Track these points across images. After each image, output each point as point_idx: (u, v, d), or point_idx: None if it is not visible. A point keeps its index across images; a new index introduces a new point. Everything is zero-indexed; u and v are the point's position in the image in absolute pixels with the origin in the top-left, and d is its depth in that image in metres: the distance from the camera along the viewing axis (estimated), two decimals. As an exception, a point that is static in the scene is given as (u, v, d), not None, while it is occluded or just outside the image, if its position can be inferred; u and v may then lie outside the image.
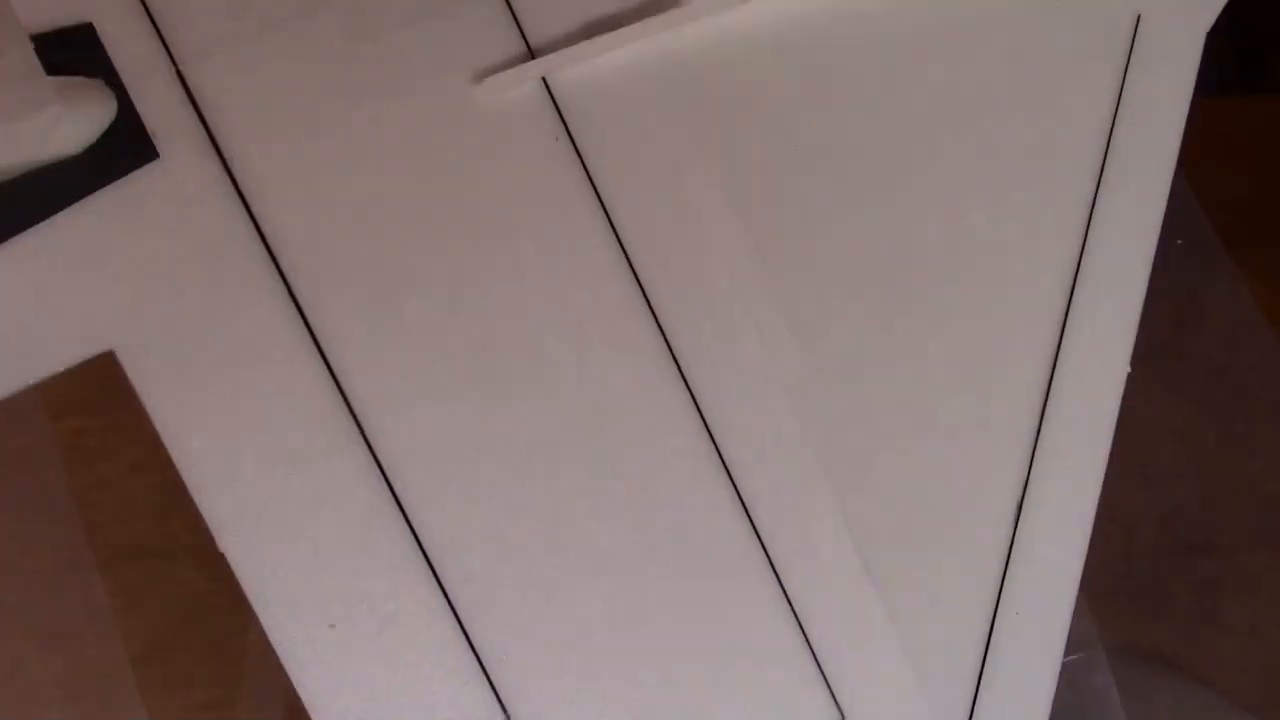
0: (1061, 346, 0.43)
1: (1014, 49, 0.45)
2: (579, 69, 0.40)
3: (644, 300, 0.39)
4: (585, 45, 0.39)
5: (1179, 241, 0.63)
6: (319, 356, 0.37)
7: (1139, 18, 0.48)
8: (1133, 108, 0.47)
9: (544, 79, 0.39)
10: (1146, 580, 0.53)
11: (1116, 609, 0.52)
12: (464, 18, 0.39)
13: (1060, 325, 0.43)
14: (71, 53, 0.34)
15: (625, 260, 0.39)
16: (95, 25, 0.34)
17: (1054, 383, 0.43)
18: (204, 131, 0.35)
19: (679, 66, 0.41)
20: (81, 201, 0.34)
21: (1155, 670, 0.50)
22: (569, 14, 0.40)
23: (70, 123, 0.33)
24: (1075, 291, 0.44)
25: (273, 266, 0.36)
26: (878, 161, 0.43)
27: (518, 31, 0.39)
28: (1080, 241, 0.44)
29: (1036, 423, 0.42)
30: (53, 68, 0.32)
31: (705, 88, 0.41)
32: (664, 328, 0.39)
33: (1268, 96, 0.80)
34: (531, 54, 0.39)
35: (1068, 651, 0.50)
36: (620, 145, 0.40)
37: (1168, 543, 0.54)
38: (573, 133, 0.39)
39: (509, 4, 0.39)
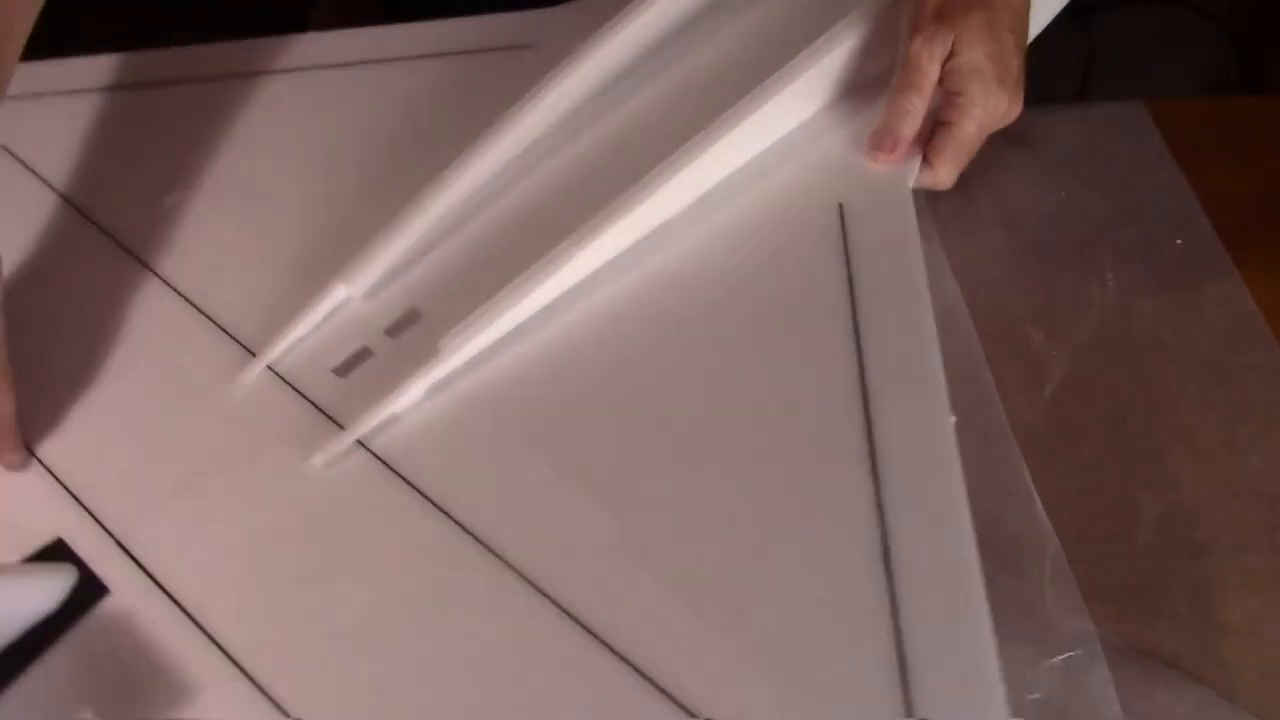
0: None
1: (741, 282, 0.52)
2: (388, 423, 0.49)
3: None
4: (380, 404, 0.48)
5: (1179, 241, 0.63)
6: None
7: (841, 206, 0.54)
8: (867, 284, 0.52)
9: (360, 441, 0.48)
10: (1146, 580, 0.53)
11: (1116, 609, 0.52)
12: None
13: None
14: (45, 556, 0.46)
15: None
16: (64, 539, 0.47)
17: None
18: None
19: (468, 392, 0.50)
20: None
21: (1155, 670, 0.50)
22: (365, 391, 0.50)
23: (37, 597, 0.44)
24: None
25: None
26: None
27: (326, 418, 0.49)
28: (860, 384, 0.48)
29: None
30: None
31: (500, 399, 0.49)
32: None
33: (1268, 96, 0.80)
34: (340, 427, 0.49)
35: (1066, 650, 0.50)
36: (439, 458, 0.48)
37: (1168, 543, 0.54)
38: (395, 466, 0.48)
39: (320, 409, 0.50)
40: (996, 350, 0.59)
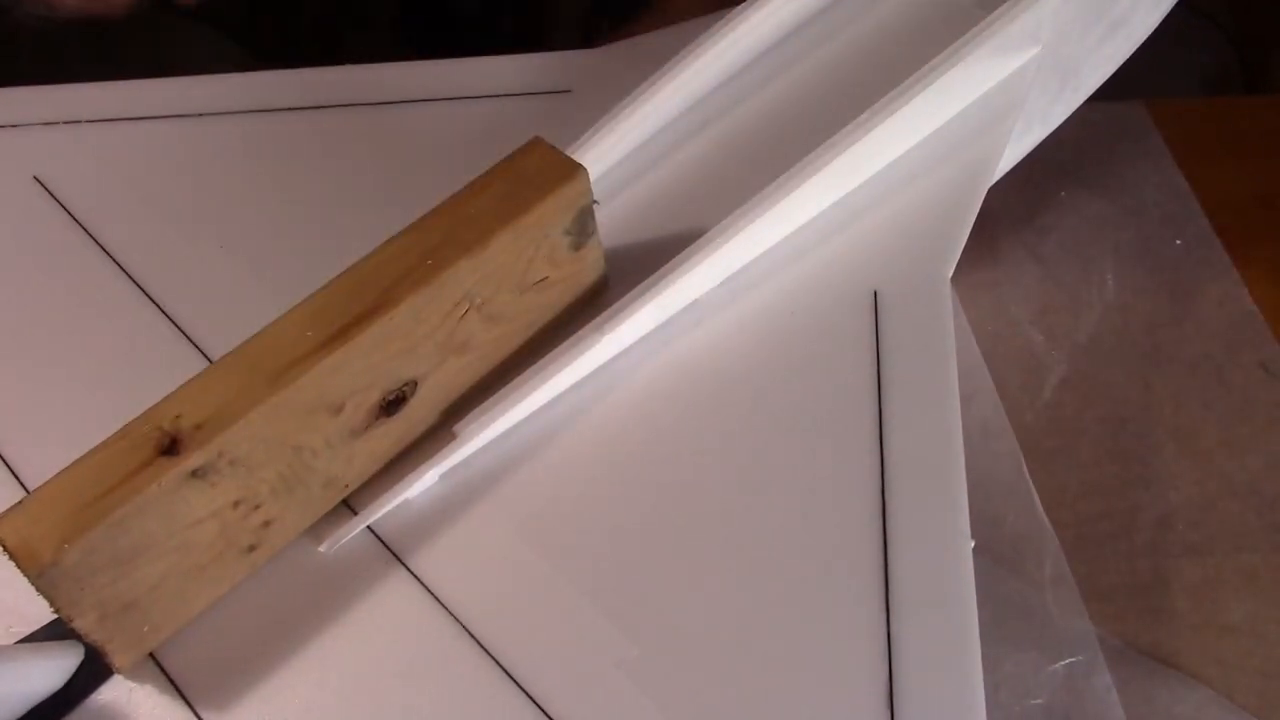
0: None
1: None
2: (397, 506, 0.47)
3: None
4: (393, 490, 0.47)
5: (1179, 241, 0.64)
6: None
7: (876, 294, 0.51)
8: (895, 373, 0.49)
9: (369, 527, 0.47)
10: (1146, 580, 0.53)
11: (1116, 609, 0.52)
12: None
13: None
14: (51, 632, 0.44)
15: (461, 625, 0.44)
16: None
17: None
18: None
19: (474, 478, 0.48)
20: None
21: (1155, 670, 0.50)
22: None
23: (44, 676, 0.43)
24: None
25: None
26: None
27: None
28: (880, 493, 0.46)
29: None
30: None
31: (504, 485, 0.48)
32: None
33: (1268, 96, 0.81)
34: (354, 511, 0.47)
35: (1066, 653, 0.50)
36: (447, 551, 0.46)
37: (1168, 543, 0.54)
38: (403, 557, 0.46)
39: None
40: (996, 350, 0.59)
